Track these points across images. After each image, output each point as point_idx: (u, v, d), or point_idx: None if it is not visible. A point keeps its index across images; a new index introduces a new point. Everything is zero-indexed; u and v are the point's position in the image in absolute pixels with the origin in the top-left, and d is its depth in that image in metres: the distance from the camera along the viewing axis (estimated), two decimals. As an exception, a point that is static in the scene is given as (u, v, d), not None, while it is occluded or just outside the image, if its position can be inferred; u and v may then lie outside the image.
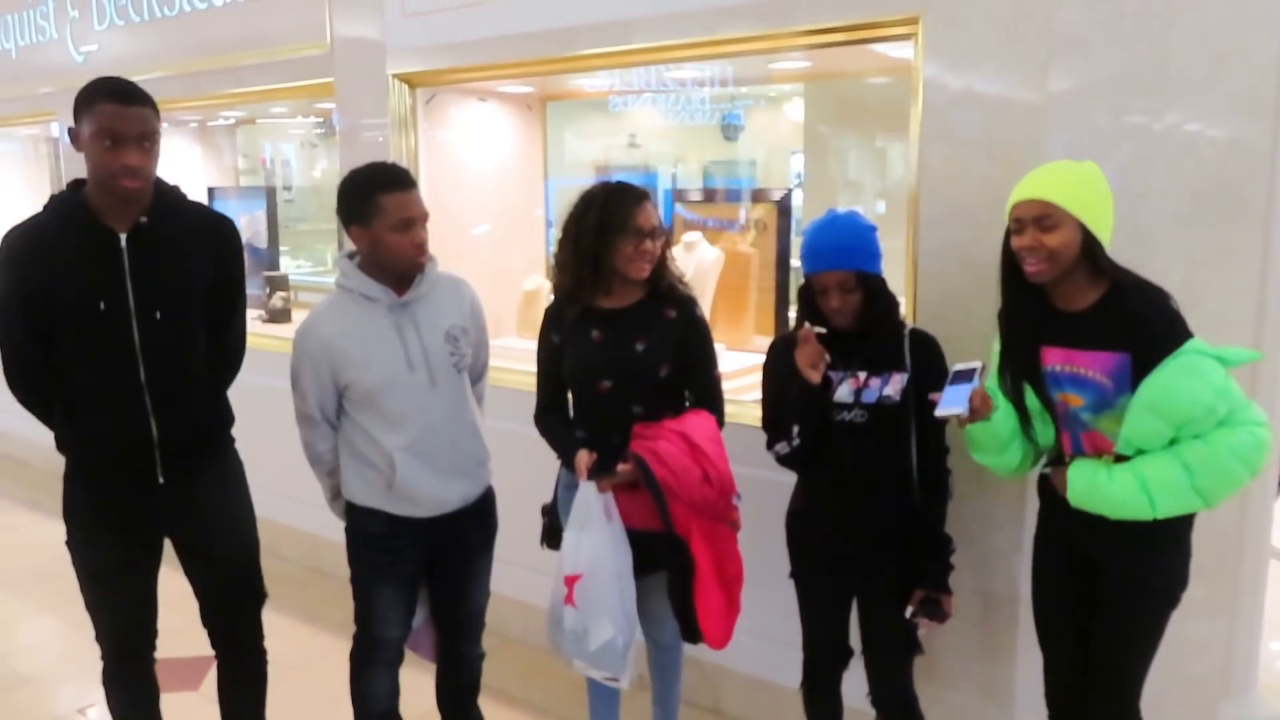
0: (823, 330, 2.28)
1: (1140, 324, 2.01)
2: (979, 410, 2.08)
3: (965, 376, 2.11)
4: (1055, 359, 2.12)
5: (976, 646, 2.70)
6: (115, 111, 2.20)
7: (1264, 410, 2.04)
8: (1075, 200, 2.02)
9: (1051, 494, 2.25)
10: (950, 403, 2.08)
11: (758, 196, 3.90)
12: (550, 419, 2.64)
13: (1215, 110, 2.37)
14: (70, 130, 2.26)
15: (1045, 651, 2.34)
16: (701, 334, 2.58)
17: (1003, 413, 2.15)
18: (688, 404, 2.60)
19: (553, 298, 2.65)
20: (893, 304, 2.36)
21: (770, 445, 2.39)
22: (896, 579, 2.38)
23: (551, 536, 2.73)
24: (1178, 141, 2.39)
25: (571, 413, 2.64)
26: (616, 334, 2.52)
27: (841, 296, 2.27)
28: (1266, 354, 2.54)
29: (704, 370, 2.59)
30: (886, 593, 2.39)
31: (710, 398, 2.59)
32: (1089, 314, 2.08)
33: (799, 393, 2.30)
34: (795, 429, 2.31)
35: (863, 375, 2.32)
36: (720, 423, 2.56)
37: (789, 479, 2.57)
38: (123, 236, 2.29)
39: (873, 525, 2.37)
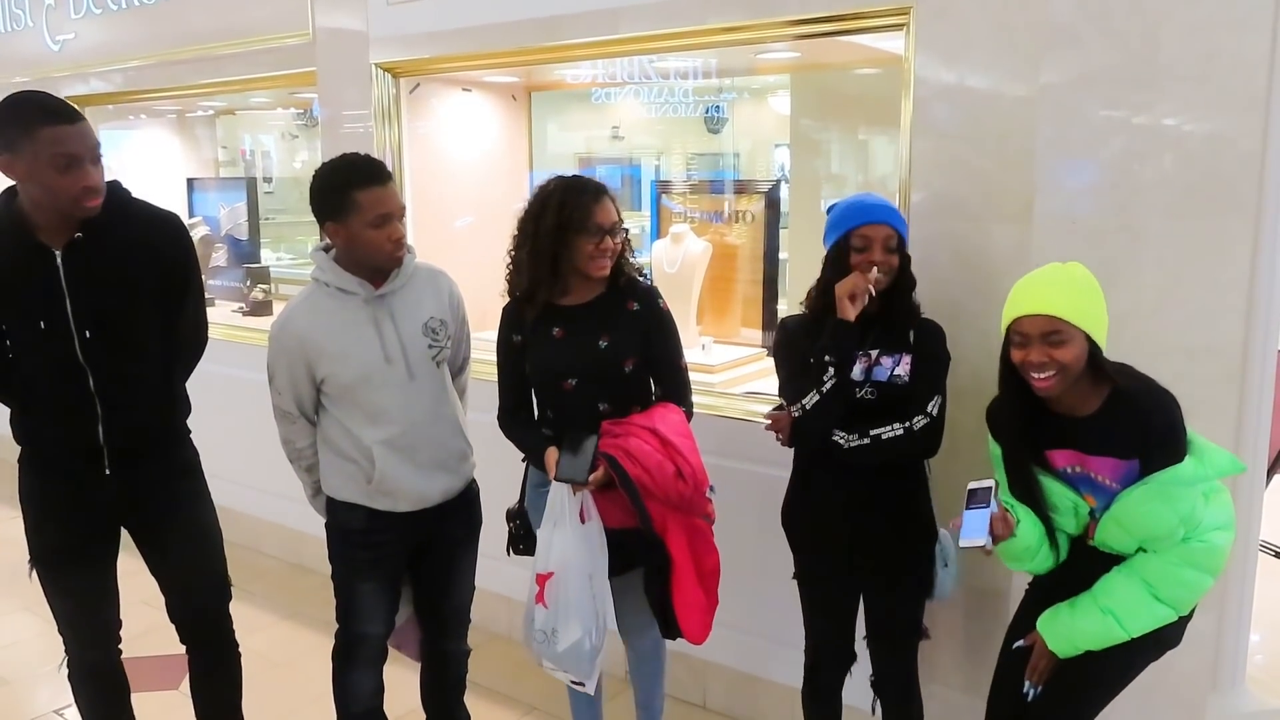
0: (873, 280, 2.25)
1: (1147, 434, 1.99)
2: (1000, 535, 2.04)
3: (980, 499, 2.05)
4: (1066, 461, 2.09)
5: (965, 642, 2.70)
6: (64, 135, 2.12)
7: (1232, 507, 2.09)
8: (1081, 313, 1.98)
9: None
10: (971, 532, 2.02)
11: (745, 188, 3.88)
12: (514, 421, 2.59)
13: (1206, 104, 2.36)
14: None
15: (996, 685, 2.31)
16: (666, 325, 2.55)
17: (1027, 524, 2.10)
18: (654, 397, 2.56)
19: (508, 298, 2.59)
20: (914, 282, 2.36)
21: (792, 403, 2.31)
22: (899, 562, 2.36)
23: (520, 541, 2.69)
24: (1169, 135, 2.38)
25: (535, 413, 2.60)
26: (579, 331, 2.48)
27: (885, 254, 2.26)
28: (1254, 347, 2.54)
29: (671, 362, 2.55)
30: (890, 578, 2.38)
31: (678, 388, 2.55)
32: (1096, 421, 2.04)
33: (833, 330, 2.26)
34: (830, 370, 2.25)
35: (874, 353, 2.29)
36: (688, 415, 2.53)
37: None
38: (58, 254, 2.22)
39: (879, 507, 2.34)
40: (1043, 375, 1.99)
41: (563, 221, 2.40)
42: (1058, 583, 2.18)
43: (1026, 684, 2.16)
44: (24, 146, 2.11)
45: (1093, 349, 2.00)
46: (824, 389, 2.25)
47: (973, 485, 2.09)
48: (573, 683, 2.48)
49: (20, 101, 2.16)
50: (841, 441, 2.28)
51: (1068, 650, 2.10)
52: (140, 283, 2.33)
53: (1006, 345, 2.07)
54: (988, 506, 2.02)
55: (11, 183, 2.25)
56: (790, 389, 2.35)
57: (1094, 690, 2.15)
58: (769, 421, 2.38)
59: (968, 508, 2.05)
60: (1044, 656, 2.13)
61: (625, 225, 2.52)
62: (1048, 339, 1.98)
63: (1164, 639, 2.11)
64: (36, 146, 2.10)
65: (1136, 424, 2.00)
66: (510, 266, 2.54)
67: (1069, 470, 2.09)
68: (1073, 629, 2.08)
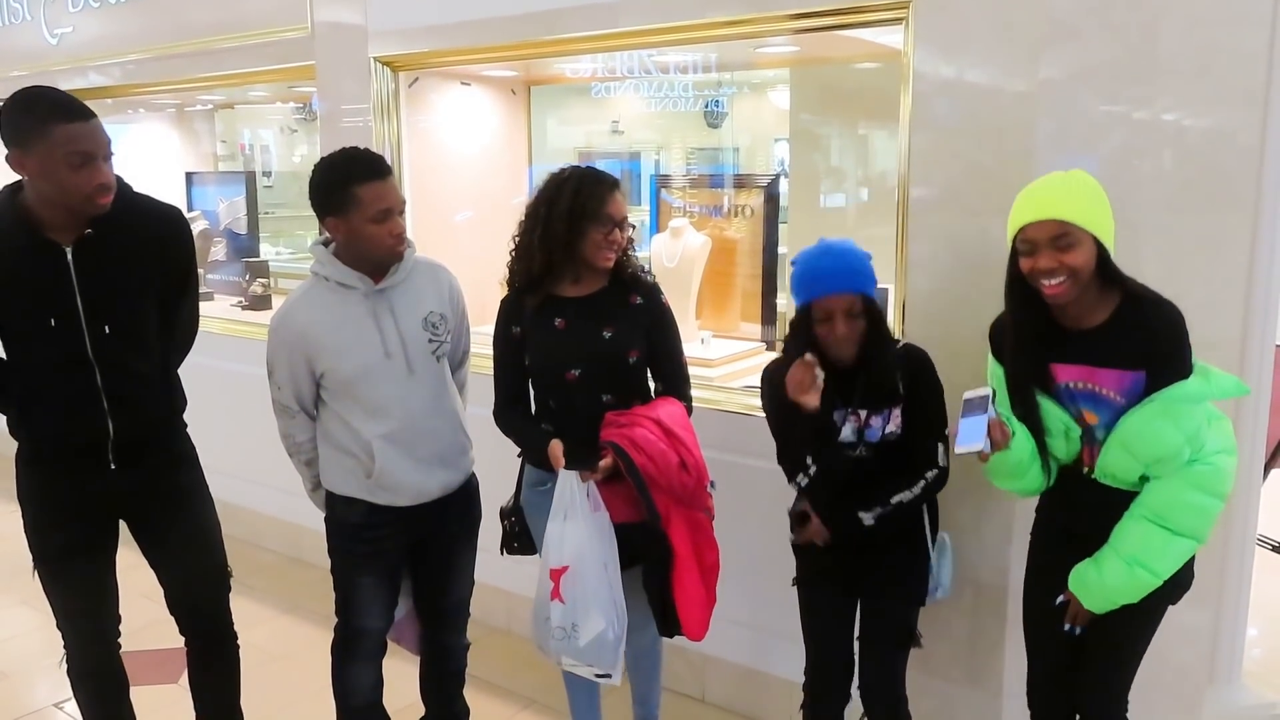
0: (814, 361, 2.19)
1: (1155, 342, 1.98)
2: (998, 442, 2.02)
3: (977, 406, 2.04)
4: (1070, 375, 2.06)
5: (965, 636, 2.70)
6: (78, 133, 2.10)
7: (1234, 426, 2.07)
8: (1088, 216, 1.97)
9: (1061, 493, 2.20)
10: (968, 438, 2.01)
11: (744, 182, 3.87)
12: (512, 415, 2.57)
13: (1205, 99, 2.37)
14: (9, 158, 2.13)
15: (1032, 652, 2.31)
16: (668, 321, 2.56)
17: (1020, 437, 2.09)
18: (654, 392, 2.56)
19: (507, 288, 2.58)
20: (890, 340, 2.32)
21: (790, 479, 2.32)
22: (896, 570, 2.36)
23: (515, 540, 2.67)
24: (1167, 130, 2.39)
25: (534, 407, 2.58)
26: (582, 321, 2.47)
27: (848, 322, 2.19)
28: (1252, 342, 2.55)
29: (672, 357, 2.56)
30: (887, 584, 2.37)
31: (678, 383, 2.56)
32: (1104, 331, 2.03)
33: (803, 423, 2.23)
34: (809, 460, 2.25)
35: (863, 414, 2.26)
36: (689, 409, 2.53)
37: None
38: (68, 251, 2.21)
39: (875, 529, 2.33)
40: (1053, 281, 1.97)
41: (576, 208, 2.40)
42: (1061, 527, 2.20)
43: (1067, 625, 2.14)
44: (37, 144, 2.09)
45: (1101, 255, 1.99)
46: (810, 473, 2.26)
47: (969, 395, 2.07)
48: (597, 675, 2.44)
49: (34, 98, 2.14)
50: (867, 520, 2.28)
51: (1106, 607, 2.06)
52: (149, 278, 2.34)
53: (1014, 257, 2.05)
54: (985, 413, 2.01)
55: (9, 180, 2.25)
56: (785, 463, 2.34)
57: (1138, 633, 2.15)
58: (800, 539, 2.36)
59: (963, 416, 2.05)
60: (1081, 607, 2.10)
61: (631, 223, 2.52)
62: (1056, 243, 1.96)
63: (1180, 578, 2.10)
64: (50, 144, 2.09)
65: (1145, 332, 1.99)
66: (513, 253, 2.53)
67: (1072, 385, 2.07)
68: (1105, 587, 2.04)
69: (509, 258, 2.55)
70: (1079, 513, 2.15)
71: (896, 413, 2.27)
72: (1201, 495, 1.98)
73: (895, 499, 2.27)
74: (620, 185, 2.48)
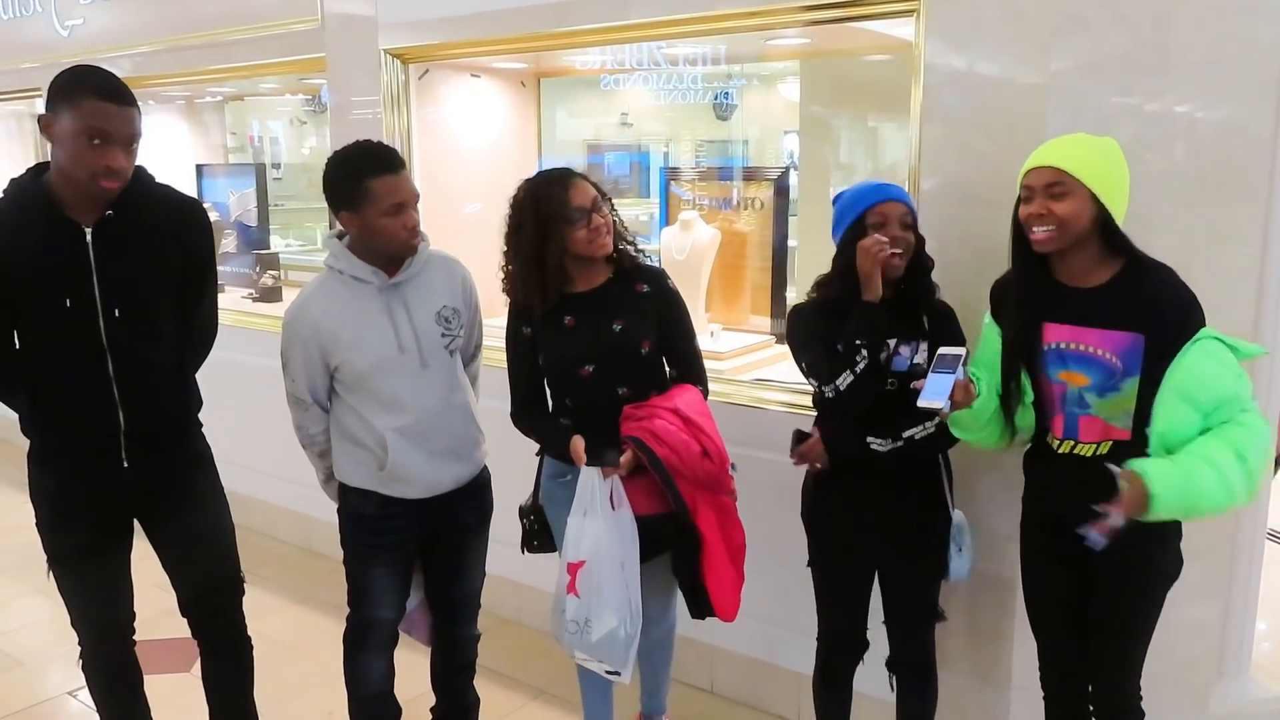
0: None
1: (1159, 306, 1.98)
2: (960, 402, 2.06)
3: (948, 364, 2.07)
4: (1060, 336, 2.09)
5: (972, 629, 2.71)
6: (106, 111, 2.12)
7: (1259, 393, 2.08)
8: (1087, 169, 1.99)
9: (1039, 474, 2.24)
10: (933, 394, 2.04)
11: (754, 175, 3.87)
12: (530, 414, 2.58)
13: (1217, 91, 2.36)
14: (41, 117, 2.16)
15: (1039, 636, 2.33)
16: (678, 305, 2.55)
17: (984, 398, 2.14)
18: (669, 378, 2.56)
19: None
20: (932, 263, 2.37)
21: (829, 383, 2.28)
22: (917, 546, 2.37)
23: (535, 539, 2.68)
24: (1179, 122, 2.38)
25: (550, 405, 2.59)
26: (591, 317, 2.47)
27: (902, 230, 2.26)
28: (1266, 334, 2.54)
29: (684, 342, 2.56)
30: (908, 561, 2.39)
31: (694, 368, 2.56)
32: (1101, 292, 2.05)
33: (861, 314, 2.25)
34: (863, 353, 2.24)
35: (891, 343, 2.29)
36: (705, 394, 2.53)
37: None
38: (88, 231, 2.22)
39: (904, 492, 2.35)
40: (1040, 229, 2.01)
41: (543, 221, 2.38)
42: (1042, 509, 2.23)
43: (1093, 533, 1.92)
44: (65, 110, 2.12)
45: (1106, 217, 2.01)
46: (857, 369, 2.25)
47: (944, 350, 2.12)
48: (608, 673, 2.45)
49: (81, 73, 2.17)
50: (879, 448, 2.30)
51: (1175, 503, 1.86)
52: (167, 266, 2.34)
53: (1019, 204, 2.09)
54: (954, 373, 2.06)
55: (31, 164, 2.27)
56: (823, 370, 2.31)
57: (1142, 612, 2.15)
58: (795, 458, 2.38)
59: (933, 370, 2.09)
60: (1139, 492, 1.87)
61: (610, 198, 2.48)
62: (1049, 191, 2.00)
63: (1170, 570, 2.12)
64: (76, 113, 2.11)
65: (1153, 296, 1.99)
66: (506, 270, 2.53)
67: (1061, 346, 2.09)
68: (1185, 484, 1.85)
69: (502, 284, 2.54)
70: (1052, 489, 2.18)
71: (924, 346, 2.29)
72: (1261, 454, 1.90)
73: (907, 433, 2.30)
74: (574, 172, 2.45)
